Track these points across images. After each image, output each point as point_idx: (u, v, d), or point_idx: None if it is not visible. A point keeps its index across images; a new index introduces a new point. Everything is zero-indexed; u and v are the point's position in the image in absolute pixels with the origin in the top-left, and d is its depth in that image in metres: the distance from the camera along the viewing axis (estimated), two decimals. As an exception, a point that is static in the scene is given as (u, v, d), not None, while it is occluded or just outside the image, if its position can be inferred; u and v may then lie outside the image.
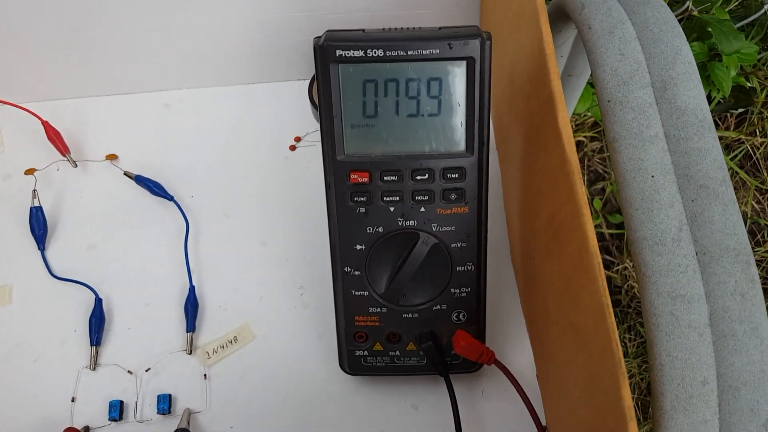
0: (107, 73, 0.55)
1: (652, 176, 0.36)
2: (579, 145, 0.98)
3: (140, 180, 0.53)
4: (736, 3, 0.91)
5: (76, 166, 0.54)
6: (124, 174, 0.53)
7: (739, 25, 0.88)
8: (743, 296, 0.33)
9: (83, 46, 0.53)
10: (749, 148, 1.00)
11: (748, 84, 0.96)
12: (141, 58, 0.55)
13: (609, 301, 0.29)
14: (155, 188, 0.52)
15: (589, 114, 0.87)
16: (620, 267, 0.96)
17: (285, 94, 0.57)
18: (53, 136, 0.53)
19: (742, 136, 1.00)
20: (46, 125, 0.53)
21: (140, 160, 0.55)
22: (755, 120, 1.00)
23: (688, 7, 0.77)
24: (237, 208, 0.53)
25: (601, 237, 0.97)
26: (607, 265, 0.96)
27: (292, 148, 0.56)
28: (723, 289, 0.33)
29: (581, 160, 0.98)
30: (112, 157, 0.55)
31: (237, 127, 0.56)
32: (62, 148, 0.53)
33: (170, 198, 0.53)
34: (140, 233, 0.52)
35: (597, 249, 0.30)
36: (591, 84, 0.82)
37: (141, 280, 0.51)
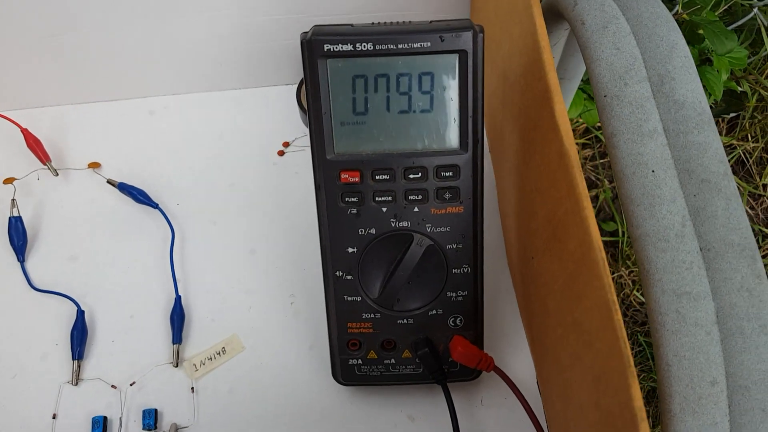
0: (89, 79, 0.54)
1: (653, 171, 0.35)
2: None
3: (124, 188, 0.51)
4: (723, 10, 0.91)
5: (57, 174, 0.52)
6: (107, 182, 0.51)
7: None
8: (750, 292, 0.33)
9: (64, 52, 0.51)
10: (741, 153, 1.00)
11: (739, 88, 0.96)
12: (124, 63, 0.53)
13: (615, 297, 0.28)
14: (140, 196, 0.51)
15: (581, 120, 0.86)
16: (615, 275, 0.95)
17: (273, 99, 0.57)
18: (33, 143, 0.52)
19: (734, 141, 1.00)
20: (26, 133, 0.52)
21: (124, 169, 0.53)
22: (746, 125, 0.99)
23: (678, 10, 0.77)
24: (224, 216, 0.52)
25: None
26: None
27: (281, 153, 0.54)
28: (729, 286, 0.33)
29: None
30: (94, 165, 0.53)
31: (224, 133, 0.55)
32: (43, 157, 0.52)
33: (155, 206, 0.51)
34: (124, 242, 0.51)
35: (601, 243, 0.29)
36: (582, 89, 0.81)
37: (125, 291, 0.49)
